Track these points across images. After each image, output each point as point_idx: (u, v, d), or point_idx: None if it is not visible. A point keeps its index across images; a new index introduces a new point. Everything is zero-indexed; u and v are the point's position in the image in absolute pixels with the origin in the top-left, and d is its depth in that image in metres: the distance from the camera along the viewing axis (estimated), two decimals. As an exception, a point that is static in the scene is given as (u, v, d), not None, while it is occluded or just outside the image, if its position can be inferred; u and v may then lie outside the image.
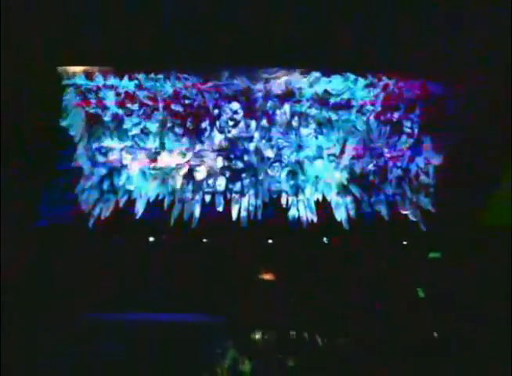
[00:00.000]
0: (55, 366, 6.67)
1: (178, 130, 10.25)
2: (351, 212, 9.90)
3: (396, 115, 10.48)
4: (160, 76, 10.27)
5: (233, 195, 10.04)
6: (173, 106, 10.34)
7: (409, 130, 10.43)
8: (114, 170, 10.06)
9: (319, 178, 10.11)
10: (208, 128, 10.31)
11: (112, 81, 10.33)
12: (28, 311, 7.51)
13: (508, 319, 7.33)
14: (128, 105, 10.35)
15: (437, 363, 7.12)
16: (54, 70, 10.20)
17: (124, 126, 10.29)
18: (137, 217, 9.80)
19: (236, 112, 10.37)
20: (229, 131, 10.31)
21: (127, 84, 10.33)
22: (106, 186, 9.95)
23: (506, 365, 6.45)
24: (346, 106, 10.47)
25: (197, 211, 9.87)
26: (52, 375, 6.64)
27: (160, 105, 10.35)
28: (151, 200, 9.96)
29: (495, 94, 10.08)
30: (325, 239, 9.85)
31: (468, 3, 9.40)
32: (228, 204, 9.97)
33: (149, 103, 10.36)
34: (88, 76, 10.31)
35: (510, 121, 9.70)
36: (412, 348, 7.65)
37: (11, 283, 7.64)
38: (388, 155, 10.26)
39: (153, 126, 10.28)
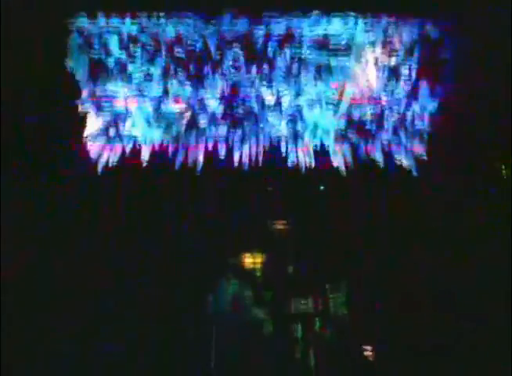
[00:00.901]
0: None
1: (181, 76, 10.43)
2: (348, 159, 10.31)
3: (394, 60, 10.64)
4: (163, 19, 10.36)
5: (235, 142, 10.44)
6: (175, 51, 10.47)
7: (406, 75, 10.62)
8: (119, 117, 10.34)
9: (317, 125, 10.42)
10: (210, 73, 10.49)
11: (115, 23, 10.40)
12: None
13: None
14: (131, 49, 10.46)
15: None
16: (56, 14, 10.23)
17: (128, 71, 10.44)
18: (143, 163, 10.21)
19: (237, 57, 10.49)
20: (231, 77, 10.51)
21: (129, 28, 10.39)
22: (112, 132, 10.29)
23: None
24: (345, 50, 10.59)
25: (200, 158, 10.28)
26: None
27: (163, 49, 10.47)
28: (156, 146, 10.36)
29: (494, 36, 10.18)
30: (322, 184, 10.32)
31: None
32: (230, 151, 10.38)
33: (152, 47, 10.49)
34: (91, 19, 10.38)
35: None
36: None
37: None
38: (385, 102, 10.52)
39: (156, 72, 10.44)
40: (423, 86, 10.56)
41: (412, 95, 10.50)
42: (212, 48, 10.45)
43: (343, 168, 10.20)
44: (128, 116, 10.31)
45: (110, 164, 10.09)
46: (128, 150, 10.21)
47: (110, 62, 10.41)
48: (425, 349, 7.62)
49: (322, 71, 10.49)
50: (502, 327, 7.38)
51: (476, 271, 8.62)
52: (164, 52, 10.44)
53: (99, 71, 10.35)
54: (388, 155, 10.32)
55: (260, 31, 10.50)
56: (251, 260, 9.64)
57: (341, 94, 10.39)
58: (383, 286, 9.28)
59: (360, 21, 10.50)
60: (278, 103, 10.40)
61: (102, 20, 10.33)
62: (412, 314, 8.78)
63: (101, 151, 10.14)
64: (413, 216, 9.92)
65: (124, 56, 10.43)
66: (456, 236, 9.49)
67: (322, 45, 10.55)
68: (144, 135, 10.34)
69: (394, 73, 10.57)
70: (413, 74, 10.60)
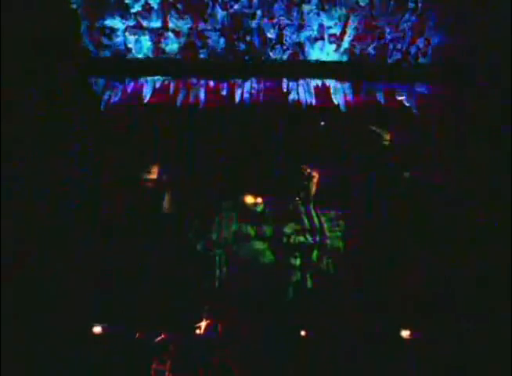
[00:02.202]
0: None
1: (180, 6, 10.09)
2: (349, 97, 10.25)
3: (402, -15, 10.21)
4: None
5: (236, 79, 10.29)
6: (173, -22, 10.06)
7: (413, 4, 10.23)
8: (119, 54, 10.14)
9: (319, 62, 10.21)
10: (210, 3, 10.12)
11: None
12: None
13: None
14: (127, -23, 10.06)
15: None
16: None
17: (125, 3, 10.10)
18: (145, 101, 10.20)
19: (237, -17, 10.08)
20: (231, 7, 10.15)
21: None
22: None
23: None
24: (350, -25, 10.13)
25: (202, 95, 10.23)
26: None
27: (160, -24, 10.06)
28: (157, 85, 10.25)
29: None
30: (322, 121, 10.38)
31: None
32: (231, 88, 10.28)
33: (149, -26, 10.07)
34: None
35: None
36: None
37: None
38: (389, 36, 10.22)
39: (155, 2, 10.09)
40: (430, 16, 10.24)
41: (418, 27, 10.19)
42: (211, -28, 10.05)
43: (343, 106, 10.23)
44: (128, 54, 10.14)
45: (113, 103, 10.17)
46: (129, 88, 10.22)
47: (107, -8, 10.08)
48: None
49: (326, 0, 10.13)
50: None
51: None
52: (161, -20, 10.06)
53: (96, 4, 10.05)
54: (389, 93, 10.29)
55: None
56: (252, 198, 9.99)
57: (345, 27, 10.11)
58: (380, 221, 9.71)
59: None
60: (279, 37, 10.15)
61: None
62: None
63: (103, 89, 10.16)
64: (413, 153, 10.15)
65: (120, -15, 10.07)
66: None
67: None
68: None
69: (400, 2, 10.20)
70: (420, 3, 10.25)
